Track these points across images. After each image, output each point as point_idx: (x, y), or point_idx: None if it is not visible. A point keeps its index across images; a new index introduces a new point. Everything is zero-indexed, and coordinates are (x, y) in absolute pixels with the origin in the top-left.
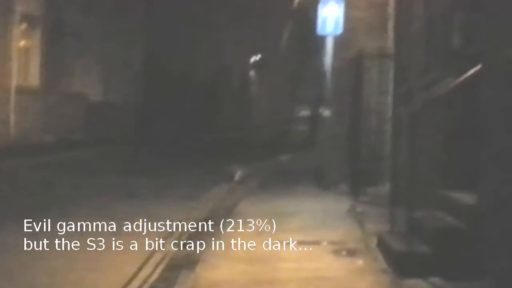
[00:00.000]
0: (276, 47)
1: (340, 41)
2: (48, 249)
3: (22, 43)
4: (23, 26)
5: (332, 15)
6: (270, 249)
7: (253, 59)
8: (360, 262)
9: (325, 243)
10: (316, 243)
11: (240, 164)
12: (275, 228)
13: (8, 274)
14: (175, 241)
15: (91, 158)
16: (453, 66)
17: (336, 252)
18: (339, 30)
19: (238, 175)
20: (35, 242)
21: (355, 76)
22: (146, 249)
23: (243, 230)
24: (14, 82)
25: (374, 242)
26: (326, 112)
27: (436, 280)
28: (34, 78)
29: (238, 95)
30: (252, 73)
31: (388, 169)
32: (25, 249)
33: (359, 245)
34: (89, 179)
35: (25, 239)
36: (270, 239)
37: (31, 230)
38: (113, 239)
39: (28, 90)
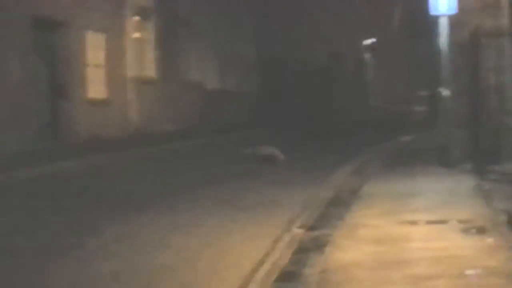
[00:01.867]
0: (389, 29)
1: (454, 20)
2: (177, 234)
3: (137, 35)
4: (136, 18)
5: None
6: (397, 229)
7: (367, 42)
8: (490, 240)
9: (453, 222)
10: (444, 222)
11: (362, 146)
12: (402, 208)
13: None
14: (302, 225)
15: (211, 145)
16: None
17: (465, 231)
18: (453, 10)
19: (360, 156)
20: (169, 226)
21: (471, 55)
22: (274, 233)
23: (369, 211)
24: (130, 73)
25: (503, 220)
26: (444, 92)
27: None
28: (150, 69)
29: (353, 79)
30: (366, 56)
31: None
32: (158, 233)
33: (488, 223)
34: (213, 166)
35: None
36: (397, 219)
37: (166, 217)
38: (241, 223)
39: (145, 81)
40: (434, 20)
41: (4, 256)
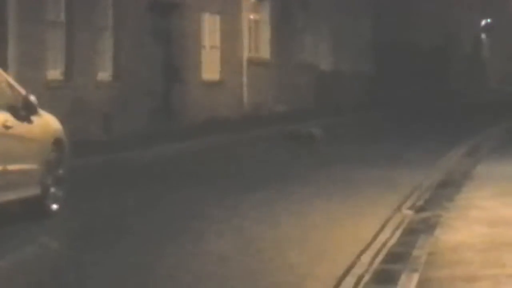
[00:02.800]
0: (506, 8)
1: None
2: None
3: (252, 16)
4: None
5: None
6: (510, 211)
7: (483, 22)
8: None
9: None
10: None
11: (476, 128)
12: None
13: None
14: (413, 206)
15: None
16: None
17: None
18: None
19: (474, 138)
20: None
21: None
22: (384, 214)
23: (481, 193)
24: (245, 55)
25: None
26: None
27: None
28: (265, 50)
29: (470, 60)
30: (483, 36)
31: None
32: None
33: None
34: (324, 147)
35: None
36: (510, 201)
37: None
38: (350, 204)
39: (259, 62)
40: None
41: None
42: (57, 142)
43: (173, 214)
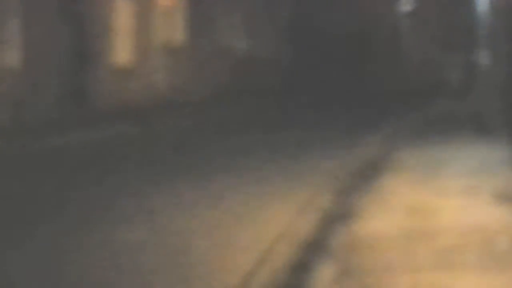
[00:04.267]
0: None
1: None
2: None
3: (166, 0)
4: None
5: None
6: (428, 198)
7: (404, 7)
8: None
9: (485, 191)
10: (477, 191)
11: (396, 114)
12: (434, 176)
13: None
14: (330, 193)
15: (239, 113)
16: None
17: (497, 200)
18: None
19: (394, 124)
20: (191, 198)
21: (510, 20)
22: (300, 202)
23: (400, 180)
24: (159, 40)
25: None
26: (482, 58)
27: None
28: (179, 35)
29: (389, 44)
30: (403, 21)
31: None
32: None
33: None
34: (240, 134)
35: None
36: (428, 188)
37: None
38: (265, 192)
39: (173, 47)
40: None
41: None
42: None
43: (82, 202)
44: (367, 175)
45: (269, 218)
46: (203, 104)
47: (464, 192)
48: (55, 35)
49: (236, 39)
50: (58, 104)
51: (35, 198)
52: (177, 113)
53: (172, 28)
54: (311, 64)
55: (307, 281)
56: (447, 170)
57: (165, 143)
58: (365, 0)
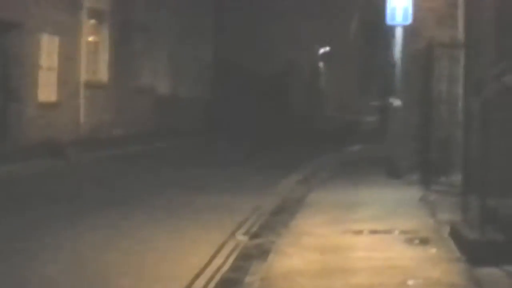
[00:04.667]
0: (345, 38)
1: (409, 31)
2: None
3: (91, 38)
4: (92, 21)
5: (401, 5)
6: (341, 238)
7: (322, 50)
8: (433, 251)
9: (397, 232)
10: (388, 232)
11: (310, 156)
12: (347, 217)
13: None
14: (247, 231)
15: (161, 151)
16: None
17: (409, 241)
18: (409, 20)
19: (307, 166)
20: (111, 232)
21: (425, 65)
22: (218, 239)
23: (314, 220)
24: (83, 77)
25: (446, 231)
26: (396, 102)
27: (511, 268)
28: (103, 73)
29: (308, 87)
30: (321, 64)
31: (460, 159)
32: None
33: (432, 234)
34: (160, 171)
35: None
36: (341, 228)
37: (108, 221)
38: (184, 230)
39: (97, 85)
40: (391, 30)
41: None
42: None
43: (4, 236)
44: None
45: (186, 256)
46: (124, 141)
47: (376, 232)
48: None
49: (159, 78)
50: None
51: None
52: (98, 149)
53: (96, 65)
54: (234, 103)
55: None
56: (361, 211)
57: (84, 178)
58: (288, 44)
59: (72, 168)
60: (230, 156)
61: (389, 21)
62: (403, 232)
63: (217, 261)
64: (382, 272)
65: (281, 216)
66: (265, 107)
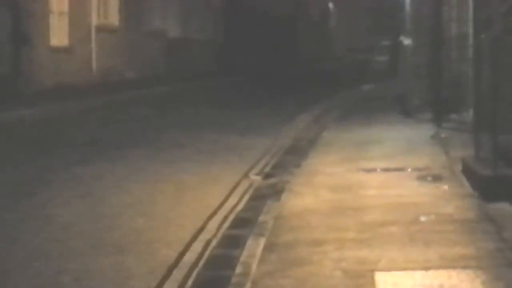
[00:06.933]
0: None
1: None
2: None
3: None
4: None
5: None
6: (354, 176)
7: None
8: (445, 187)
9: (409, 170)
10: (401, 169)
11: (322, 95)
12: (359, 156)
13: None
14: (260, 172)
15: (173, 94)
16: None
17: (421, 178)
18: None
19: (320, 105)
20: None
21: (434, 4)
22: (231, 180)
23: (327, 159)
24: (94, 21)
25: (459, 167)
26: (406, 41)
27: None
28: (114, 17)
29: (317, 28)
30: (330, 5)
31: (471, 96)
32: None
33: (444, 171)
34: (172, 113)
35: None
36: (353, 166)
37: (122, 161)
38: (198, 171)
39: (108, 29)
40: None
41: None
42: None
43: (18, 179)
44: (296, 154)
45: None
46: (136, 85)
47: (389, 170)
48: None
49: (170, 21)
50: None
51: None
52: (110, 92)
53: (107, 9)
54: (245, 45)
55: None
56: (373, 149)
57: (99, 121)
58: None
59: (85, 111)
60: (242, 97)
61: None
62: (415, 169)
63: (231, 201)
64: (394, 209)
65: (294, 156)
66: (275, 49)
